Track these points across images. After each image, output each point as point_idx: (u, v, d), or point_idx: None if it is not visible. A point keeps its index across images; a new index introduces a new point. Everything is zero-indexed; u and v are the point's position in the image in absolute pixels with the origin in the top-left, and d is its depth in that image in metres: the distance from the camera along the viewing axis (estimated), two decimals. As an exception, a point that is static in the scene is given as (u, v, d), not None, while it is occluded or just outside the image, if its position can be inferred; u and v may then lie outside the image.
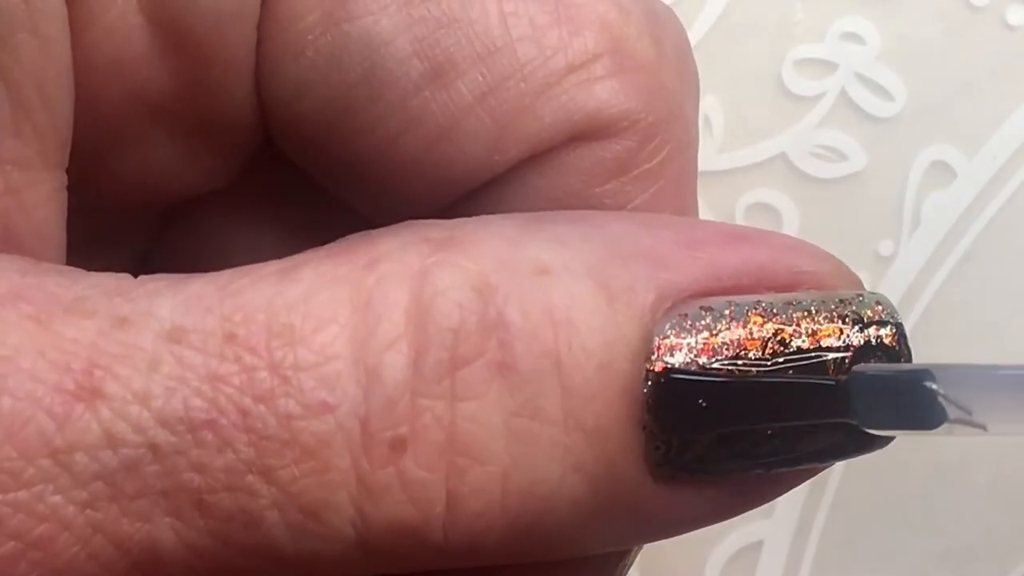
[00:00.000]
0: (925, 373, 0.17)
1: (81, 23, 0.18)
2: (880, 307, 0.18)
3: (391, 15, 0.19)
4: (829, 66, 0.39)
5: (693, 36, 0.40)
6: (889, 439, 0.18)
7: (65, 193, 0.19)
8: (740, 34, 0.40)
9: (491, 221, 0.18)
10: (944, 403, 0.17)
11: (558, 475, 0.16)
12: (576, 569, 0.19)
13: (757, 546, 0.39)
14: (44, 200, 0.18)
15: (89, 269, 0.18)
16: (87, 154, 0.20)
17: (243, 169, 0.22)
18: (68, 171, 0.19)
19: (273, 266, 0.17)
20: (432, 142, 0.19)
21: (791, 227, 0.38)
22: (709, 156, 0.40)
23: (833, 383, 0.17)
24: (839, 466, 0.39)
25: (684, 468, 0.17)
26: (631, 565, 0.21)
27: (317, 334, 0.16)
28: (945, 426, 0.17)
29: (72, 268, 0.17)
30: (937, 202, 0.39)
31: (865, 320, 0.18)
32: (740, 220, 0.39)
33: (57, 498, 0.15)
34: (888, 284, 0.39)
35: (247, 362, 0.16)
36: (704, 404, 0.17)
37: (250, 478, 0.16)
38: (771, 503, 0.40)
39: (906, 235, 0.39)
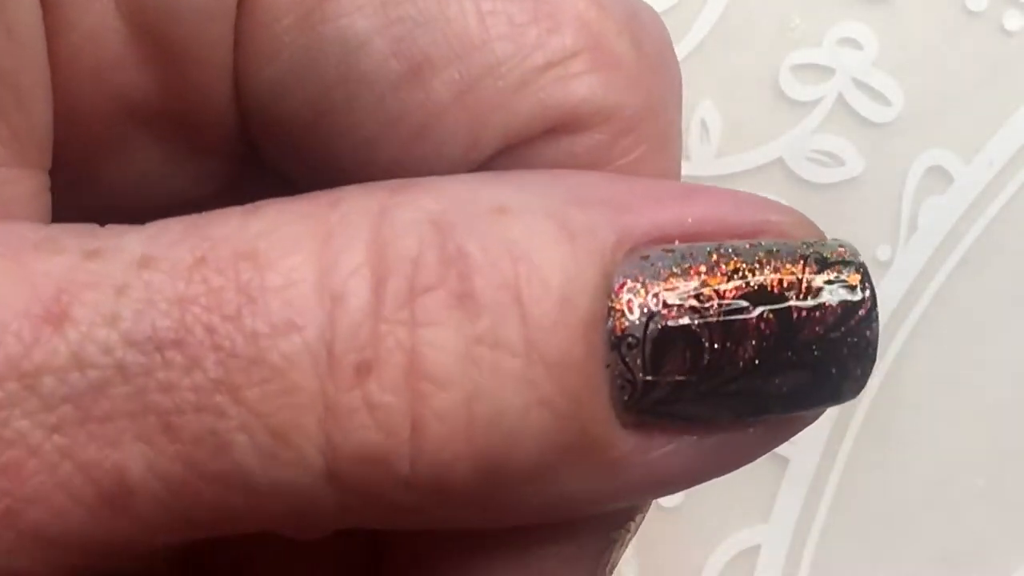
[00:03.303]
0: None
1: (58, 27, 0.18)
2: (843, 249, 0.18)
3: (367, 16, 0.19)
4: (826, 71, 0.39)
5: (690, 41, 0.40)
6: (859, 389, 0.18)
7: (48, 196, 0.19)
8: (737, 39, 0.40)
9: (453, 175, 0.18)
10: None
11: (521, 406, 0.16)
12: (560, 550, 0.19)
13: (754, 550, 0.39)
14: (25, 199, 0.18)
15: None
16: (72, 160, 0.20)
17: (229, 178, 0.22)
18: (54, 177, 0.19)
19: (238, 208, 0.17)
20: (410, 141, 0.19)
21: (788, 232, 0.38)
22: (707, 161, 0.40)
23: (796, 323, 0.17)
24: (837, 468, 0.39)
25: (650, 410, 0.17)
26: (616, 559, 0.21)
27: (283, 259, 0.16)
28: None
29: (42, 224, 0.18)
30: (934, 207, 0.39)
31: (828, 260, 0.18)
32: (738, 225, 0.39)
33: (24, 423, 0.15)
34: (886, 289, 0.39)
35: (214, 283, 0.16)
36: (668, 343, 0.17)
37: (218, 398, 0.16)
38: (769, 506, 0.40)
39: (903, 240, 0.39)
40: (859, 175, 0.39)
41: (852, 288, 0.18)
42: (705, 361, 0.17)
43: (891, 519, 0.39)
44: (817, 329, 0.17)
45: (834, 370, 0.18)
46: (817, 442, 0.39)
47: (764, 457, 0.42)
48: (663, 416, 0.17)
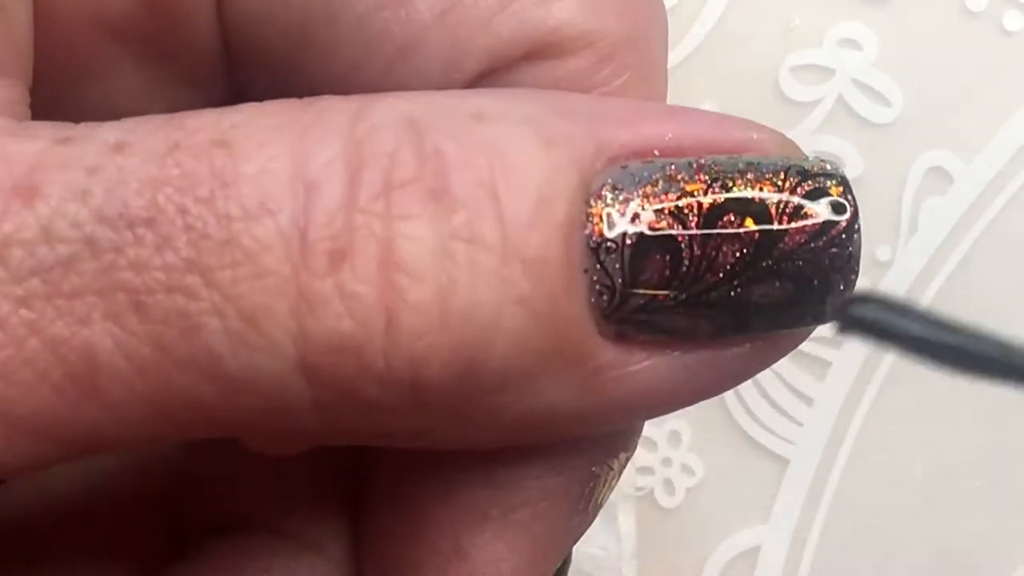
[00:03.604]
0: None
1: None
2: (824, 163, 0.18)
3: None
4: (826, 72, 0.39)
5: (690, 42, 0.40)
6: (843, 308, 0.18)
7: (28, 110, 0.19)
8: (737, 40, 0.40)
9: (431, 91, 0.18)
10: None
11: (496, 302, 0.16)
12: (542, 482, 0.19)
13: (754, 551, 0.39)
14: (2, 105, 0.18)
15: None
16: (52, 78, 0.20)
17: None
18: (34, 97, 0.19)
19: (215, 108, 0.17)
20: (391, 63, 0.19)
21: (788, 232, 0.38)
22: (706, 161, 0.40)
23: (777, 232, 0.17)
24: (837, 469, 0.39)
25: (629, 319, 0.17)
26: (601, 499, 0.21)
27: (258, 149, 0.16)
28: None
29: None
30: (934, 207, 0.39)
31: (809, 171, 0.18)
32: (737, 225, 0.39)
33: None
34: (886, 289, 0.39)
35: (188, 167, 0.16)
36: (647, 249, 0.17)
37: (189, 279, 0.15)
38: (769, 507, 0.40)
39: (903, 240, 0.39)
40: (859, 176, 0.39)
41: (833, 199, 0.18)
42: (684, 268, 0.17)
43: (891, 519, 0.39)
44: (798, 239, 0.17)
45: (816, 282, 0.17)
46: (817, 443, 0.39)
47: (764, 458, 0.42)
48: (642, 326, 0.17)
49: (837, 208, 0.18)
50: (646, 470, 0.39)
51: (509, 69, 0.19)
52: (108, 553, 0.22)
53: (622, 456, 0.20)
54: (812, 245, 0.17)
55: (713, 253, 0.17)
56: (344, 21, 0.19)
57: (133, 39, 0.20)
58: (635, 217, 0.17)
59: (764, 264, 0.17)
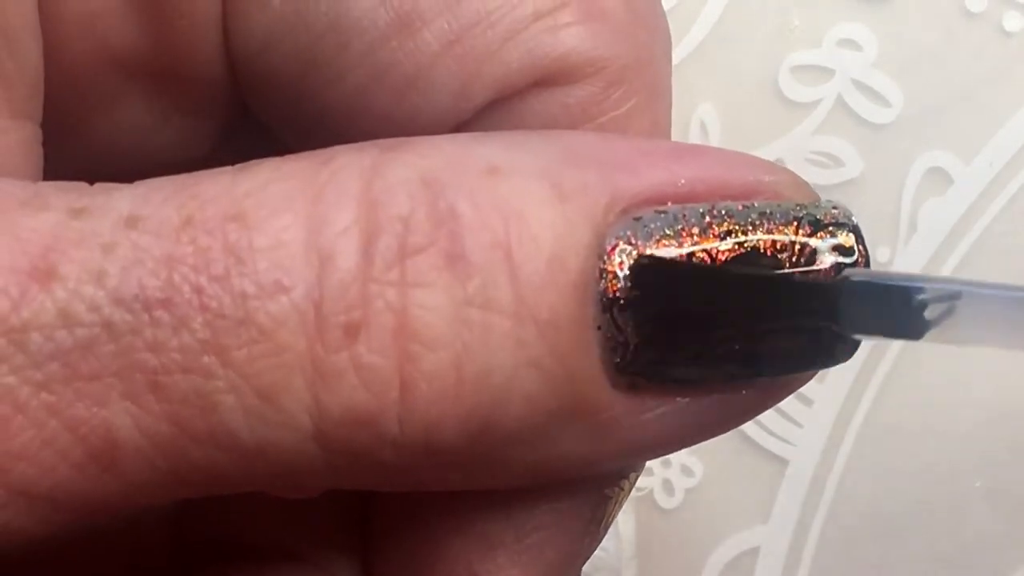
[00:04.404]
0: (915, 287, 0.17)
1: None
2: (836, 211, 0.18)
3: None
4: (826, 72, 0.39)
5: (690, 42, 0.40)
6: (853, 350, 0.18)
7: (40, 149, 0.19)
8: (736, 40, 0.40)
9: (444, 136, 0.18)
10: (929, 315, 0.17)
11: (511, 367, 0.16)
12: (554, 505, 0.19)
13: (754, 552, 0.39)
14: (16, 149, 0.18)
15: None
16: (62, 114, 0.20)
17: (220, 139, 0.22)
18: (44, 132, 0.19)
19: (228, 167, 0.17)
20: (400, 92, 0.19)
21: (788, 233, 0.38)
22: (706, 162, 0.40)
23: (792, 279, 0.17)
24: (836, 470, 0.39)
25: (643, 372, 0.17)
26: (610, 520, 0.21)
27: (272, 219, 0.16)
28: (928, 334, 0.17)
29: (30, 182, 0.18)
30: (933, 208, 0.39)
31: (822, 222, 0.18)
32: (737, 226, 0.39)
33: (11, 379, 0.15)
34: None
35: (202, 243, 0.16)
36: (660, 302, 0.17)
37: (206, 359, 0.16)
38: (768, 507, 0.40)
39: (903, 241, 0.39)
40: (858, 176, 0.39)
41: (846, 250, 0.18)
42: (696, 321, 0.17)
43: (890, 520, 0.39)
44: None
45: (827, 331, 0.17)
46: (816, 444, 0.39)
47: (763, 459, 0.42)
48: (655, 378, 0.17)
49: (849, 259, 0.18)
50: (645, 471, 0.39)
51: (519, 96, 0.19)
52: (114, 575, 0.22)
53: (632, 476, 0.21)
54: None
55: (725, 306, 0.17)
56: (353, 50, 0.19)
57: (140, 71, 0.20)
58: (647, 269, 0.17)
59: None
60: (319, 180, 0.17)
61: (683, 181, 0.17)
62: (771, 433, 0.39)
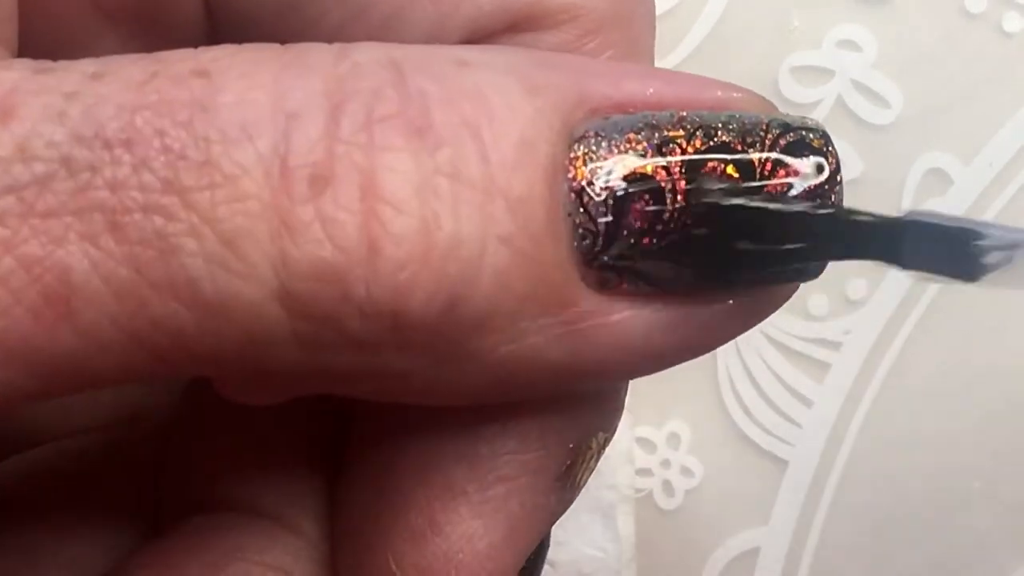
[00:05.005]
0: (974, 232, 0.17)
1: None
2: (804, 118, 0.18)
3: None
4: (826, 73, 0.39)
5: (689, 43, 0.40)
6: (822, 269, 0.18)
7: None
8: (736, 41, 0.40)
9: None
10: (988, 260, 0.17)
11: (480, 239, 0.16)
12: (518, 456, 0.19)
13: (753, 552, 0.39)
14: None
15: None
16: (39, 51, 0.19)
17: None
18: None
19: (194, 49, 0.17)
20: (375, 32, 0.19)
21: (788, 234, 0.38)
22: (706, 163, 0.40)
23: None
24: (836, 471, 0.39)
25: (612, 267, 0.17)
26: (580, 479, 0.20)
27: (239, 80, 0.16)
28: (985, 279, 0.17)
29: None
30: (934, 208, 0.39)
31: (791, 124, 0.18)
32: (737, 227, 0.39)
33: None
34: (885, 291, 0.39)
35: (167, 94, 0.15)
36: (629, 195, 0.17)
37: (166, 199, 0.15)
38: (768, 508, 0.40)
39: (903, 242, 0.39)
40: (858, 177, 0.39)
41: (815, 149, 0.18)
42: (667, 214, 0.17)
43: (890, 521, 0.39)
44: (779, 187, 0.17)
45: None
46: (816, 445, 0.39)
47: (763, 460, 0.42)
48: (625, 273, 0.17)
49: (818, 159, 0.18)
50: (645, 472, 0.39)
51: (491, 39, 0.19)
52: (86, 529, 0.22)
53: (600, 435, 0.20)
54: (793, 195, 0.17)
55: (695, 199, 0.17)
56: None
57: (119, 13, 0.20)
58: (618, 163, 0.17)
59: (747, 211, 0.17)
60: (287, 55, 0.16)
61: (652, 91, 0.18)
62: (771, 434, 0.39)
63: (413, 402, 0.18)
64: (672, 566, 0.39)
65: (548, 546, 0.21)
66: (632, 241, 0.17)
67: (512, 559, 0.19)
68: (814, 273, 0.18)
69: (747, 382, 0.39)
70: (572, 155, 0.17)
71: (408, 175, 0.16)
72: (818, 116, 0.39)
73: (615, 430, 0.21)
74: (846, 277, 0.39)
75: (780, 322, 0.39)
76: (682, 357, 0.18)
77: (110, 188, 0.15)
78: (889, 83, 0.39)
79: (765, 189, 0.17)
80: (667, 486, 0.39)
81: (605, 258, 0.17)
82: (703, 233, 0.17)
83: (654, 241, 0.17)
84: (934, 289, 0.39)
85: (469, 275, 0.16)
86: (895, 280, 0.39)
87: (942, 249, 0.17)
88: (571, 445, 0.20)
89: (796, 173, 0.17)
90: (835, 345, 0.38)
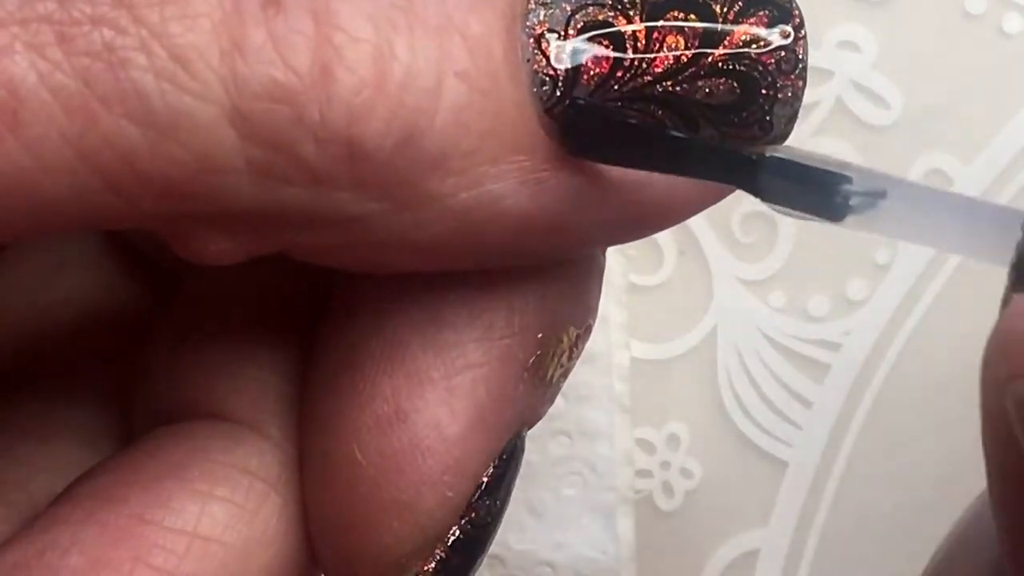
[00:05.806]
0: (838, 175, 0.17)
1: None
2: None
3: None
4: (825, 74, 0.39)
5: (689, 44, 0.40)
6: (791, 119, 0.18)
7: None
8: (736, 42, 0.40)
9: None
10: (853, 203, 0.17)
11: (437, 72, 0.16)
12: (485, 343, 0.19)
13: (753, 554, 0.39)
14: None
15: None
16: None
17: None
18: None
19: None
20: None
21: (788, 234, 0.38)
22: (705, 163, 0.40)
23: (722, 30, 0.17)
24: (836, 472, 0.39)
25: (574, 107, 0.17)
26: (551, 376, 0.20)
27: None
28: (848, 220, 0.17)
29: None
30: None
31: None
32: (737, 227, 0.38)
33: None
34: (885, 292, 0.39)
35: None
36: (590, 41, 0.17)
37: (115, 12, 0.15)
38: (768, 510, 0.40)
39: (903, 243, 0.39)
40: (858, 178, 0.39)
41: (779, 3, 0.17)
42: (627, 61, 0.17)
43: (890, 521, 0.39)
44: (743, 37, 0.17)
45: (762, 85, 0.17)
46: (816, 446, 0.39)
47: (763, 461, 0.42)
48: (586, 113, 0.17)
49: (783, 10, 0.18)
50: (644, 473, 0.39)
51: None
52: (53, 435, 0.22)
53: (572, 331, 0.20)
54: (758, 46, 0.17)
55: (656, 46, 0.17)
56: None
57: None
58: (578, 9, 0.17)
59: (708, 60, 0.17)
60: None
61: None
62: (771, 435, 0.39)
63: (376, 267, 0.18)
64: (672, 567, 0.39)
65: (523, 451, 0.20)
66: (592, 87, 0.17)
67: (480, 447, 0.19)
68: (782, 123, 0.18)
69: (746, 383, 0.39)
70: (530, 5, 0.17)
71: (362, 5, 0.16)
72: (817, 117, 0.39)
73: (588, 329, 0.21)
74: (846, 277, 0.39)
75: (780, 323, 0.38)
76: (636, 229, 0.19)
77: (58, 0, 0.15)
78: (889, 84, 0.39)
79: (729, 39, 0.17)
80: (667, 487, 0.39)
81: (565, 106, 0.17)
82: (664, 82, 0.17)
83: (614, 88, 0.17)
84: (934, 290, 0.39)
85: (426, 107, 0.16)
86: (895, 281, 0.39)
87: (805, 189, 0.17)
88: (540, 335, 0.19)
89: (759, 21, 0.17)
90: (835, 346, 0.38)
